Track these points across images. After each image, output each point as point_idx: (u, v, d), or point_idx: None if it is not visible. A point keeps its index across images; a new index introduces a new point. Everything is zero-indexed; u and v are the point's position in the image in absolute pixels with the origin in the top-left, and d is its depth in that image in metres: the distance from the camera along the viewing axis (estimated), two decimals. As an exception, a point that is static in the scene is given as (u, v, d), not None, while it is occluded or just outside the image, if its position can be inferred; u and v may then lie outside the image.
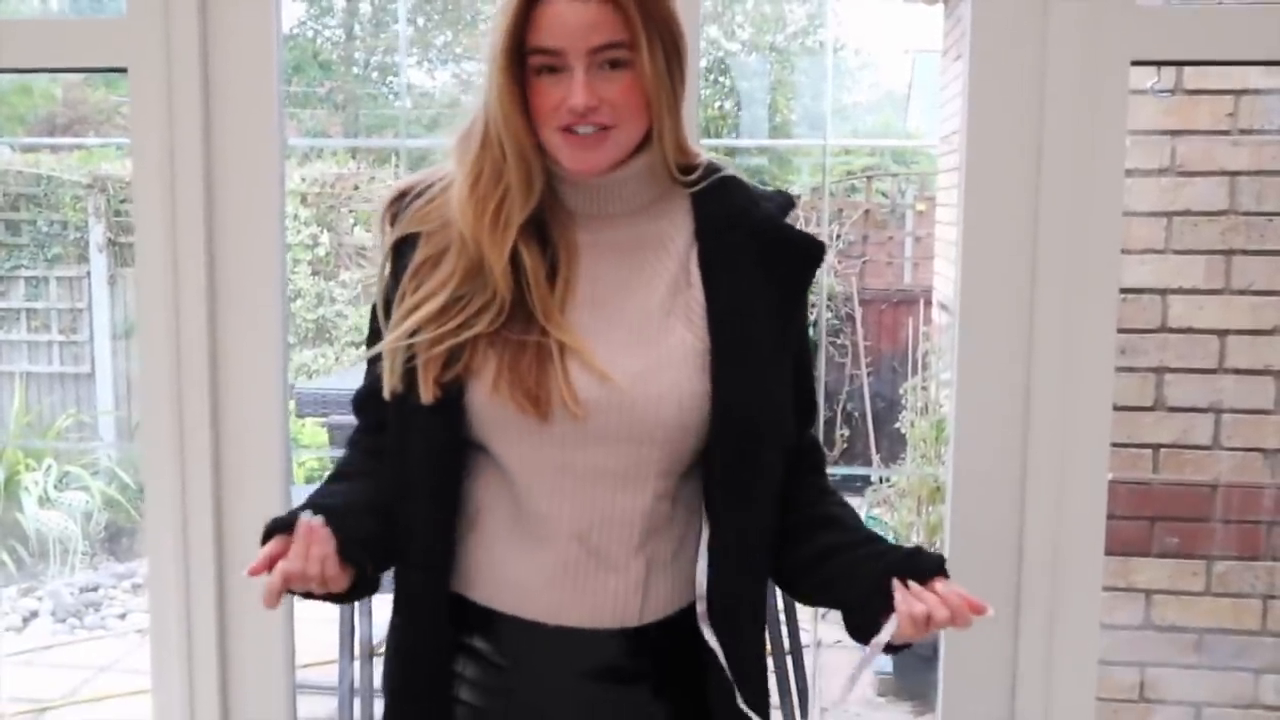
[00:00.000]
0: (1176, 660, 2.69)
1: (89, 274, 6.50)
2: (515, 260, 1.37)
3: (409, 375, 1.36)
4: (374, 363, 1.45)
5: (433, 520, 1.40)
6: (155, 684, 2.06)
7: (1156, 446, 2.63)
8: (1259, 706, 2.69)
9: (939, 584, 1.31)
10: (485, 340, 1.36)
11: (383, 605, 3.58)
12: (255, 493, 1.99)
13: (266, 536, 1.31)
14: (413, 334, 1.36)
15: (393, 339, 1.38)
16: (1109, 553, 1.97)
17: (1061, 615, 1.89)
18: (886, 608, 1.29)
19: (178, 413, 1.96)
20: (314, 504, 1.35)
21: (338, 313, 6.49)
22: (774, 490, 1.44)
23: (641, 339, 1.38)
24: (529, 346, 1.35)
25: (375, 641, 3.64)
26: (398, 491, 1.41)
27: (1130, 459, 2.62)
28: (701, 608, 1.41)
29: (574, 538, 1.39)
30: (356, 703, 3.55)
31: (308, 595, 1.32)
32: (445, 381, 1.35)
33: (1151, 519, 2.66)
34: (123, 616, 5.06)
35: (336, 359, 6.42)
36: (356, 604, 3.47)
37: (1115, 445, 2.02)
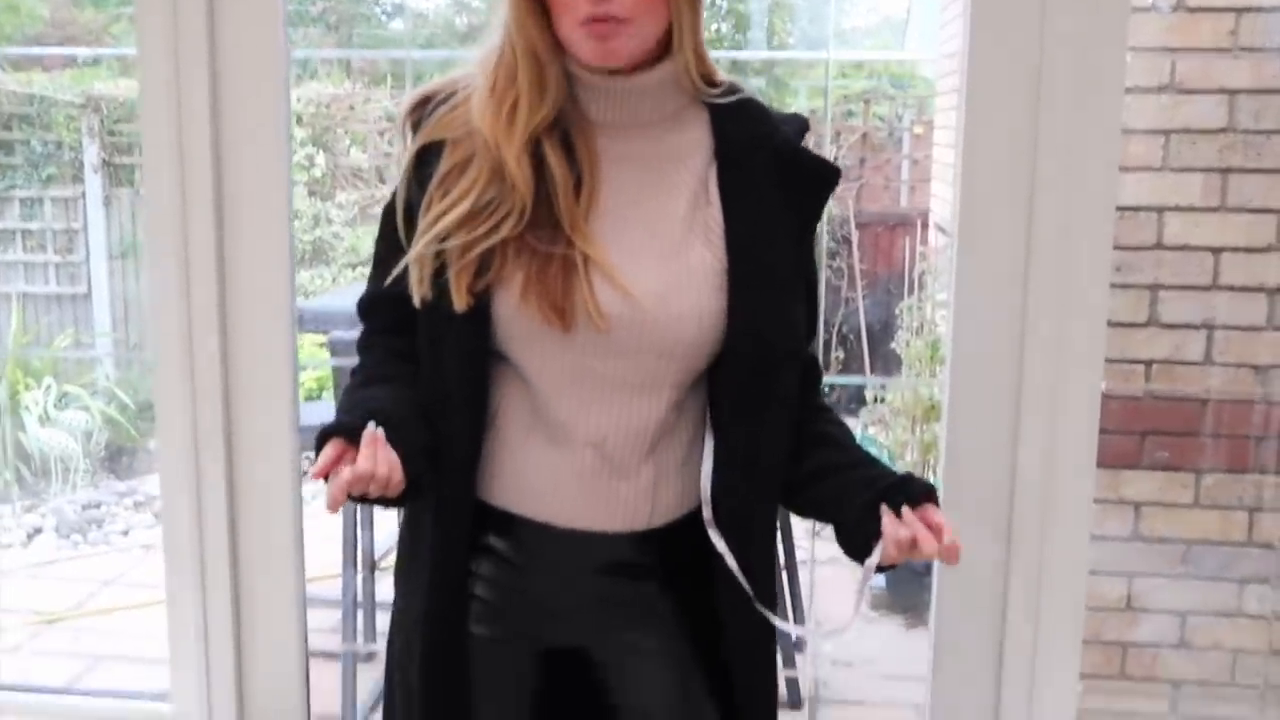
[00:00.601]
0: (1163, 571, 2.75)
1: (84, 194, 6.48)
2: (541, 170, 1.38)
3: (438, 283, 1.39)
4: (381, 266, 1.47)
5: (462, 426, 1.43)
6: (170, 602, 2.10)
7: (1149, 362, 2.67)
8: (1242, 616, 2.75)
9: (930, 510, 1.36)
10: (513, 250, 1.38)
11: (384, 518, 3.65)
12: (264, 410, 2.03)
13: (321, 441, 1.32)
14: (443, 240, 1.38)
15: (423, 245, 1.39)
16: (1100, 465, 2.02)
17: (1053, 528, 1.94)
18: (877, 532, 1.36)
19: (187, 332, 1.99)
20: (370, 410, 1.35)
21: (334, 234, 6.47)
22: (788, 408, 1.48)
23: (663, 253, 1.42)
24: (555, 258, 1.38)
25: (377, 554, 3.71)
26: (430, 396, 1.44)
27: (1123, 374, 2.66)
28: (707, 513, 1.46)
29: (590, 445, 1.43)
30: (359, 614, 3.62)
31: (363, 499, 1.33)
32: (476, 290, 1.37)
33: (1142, 433, 2.70)
34: (125, 533, 5.13)
35: (334, 280, 6.42)
36: (358, 518, 3.54)
37: (1108, 361, 2.06)
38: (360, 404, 1.40)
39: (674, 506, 1.48)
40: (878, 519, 1.36)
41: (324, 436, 1.32)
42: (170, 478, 2.04)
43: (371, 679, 3.57)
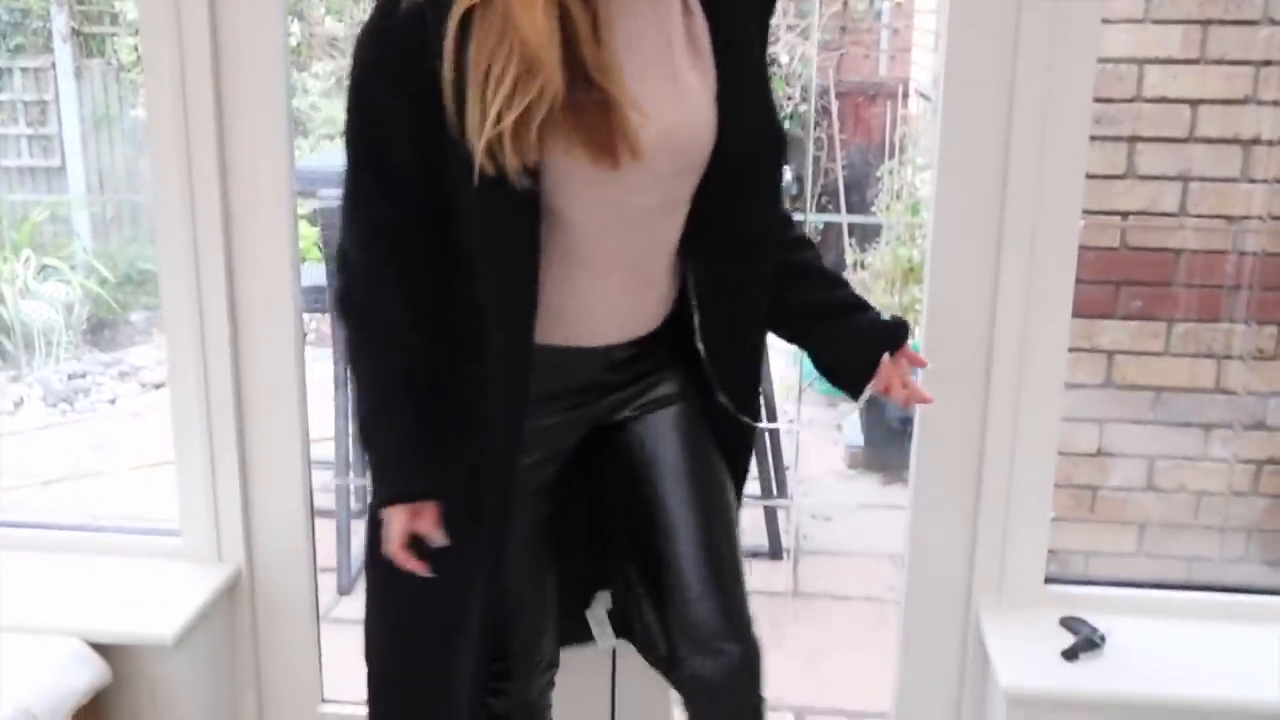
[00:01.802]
0: (1134, 417, 2.85)
1: (54, 65, 6.36)
2: (565, 25, 1.40)
3: (488, 148, 1.40)
4: (382, 151, 1.49)
5: (518, 281, 1.49)
6: (179, 464, 2.15)
7: (1125, 214, 2.73)
8: (1207, 459, 2.86)
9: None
10: (556, 104, 1.40)
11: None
12: (267, 274, 2.06)
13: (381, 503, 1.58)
14: (497, 114, 1.39)
15: (490, 127, 1.40)
16: (1075, 315, 2.08)
17: (1028, 377, 2.00)
18: (868, 375, 1.68)
19: (189, 203, 2.02)
20: (416, 492, 1.56)
21: (311, 105, 6.39)
22: (774, 207, 1.65)
23: (673, 76, 1.50)
24: (591, 104, 1.42)
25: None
26: (479, 255, 1.49)
27: (1100, 226, 2.72)
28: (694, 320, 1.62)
29: (629, 269, 1.56)
30: (351, 474, 3.69)
31: None
32: (526, 148, 1.40)
33: (1117, 283, 2.77)
34: (112, 401, 5.17)
35: (312, 150, 6.36)
36: (349, 382, 3.60)
37: (1086, 212, 2.11)
38: (406, 478, 1.57)
39: (672, 303, 1.65)
40: (874, 365, 1.67)
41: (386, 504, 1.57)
42: (176, 340, 2.08)
43: (362, 534, 3.66)
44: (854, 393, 1.70)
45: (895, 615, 2.20)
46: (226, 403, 2.10)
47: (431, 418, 1.55)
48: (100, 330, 5.89)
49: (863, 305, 1.73)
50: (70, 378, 5.31)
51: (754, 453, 1.84)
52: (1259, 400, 2.83)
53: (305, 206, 4.77)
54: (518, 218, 1.46)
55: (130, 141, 6.33)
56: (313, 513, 2.19)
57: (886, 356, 1.68)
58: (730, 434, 1.71)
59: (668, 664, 1.71)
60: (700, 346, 1.63)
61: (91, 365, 5.52)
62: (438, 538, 1.56)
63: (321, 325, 5.01)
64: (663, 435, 1.68)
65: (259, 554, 2.18)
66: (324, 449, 3.56)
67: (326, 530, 3.45)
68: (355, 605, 3.39)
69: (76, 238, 6.14)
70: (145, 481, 3.96)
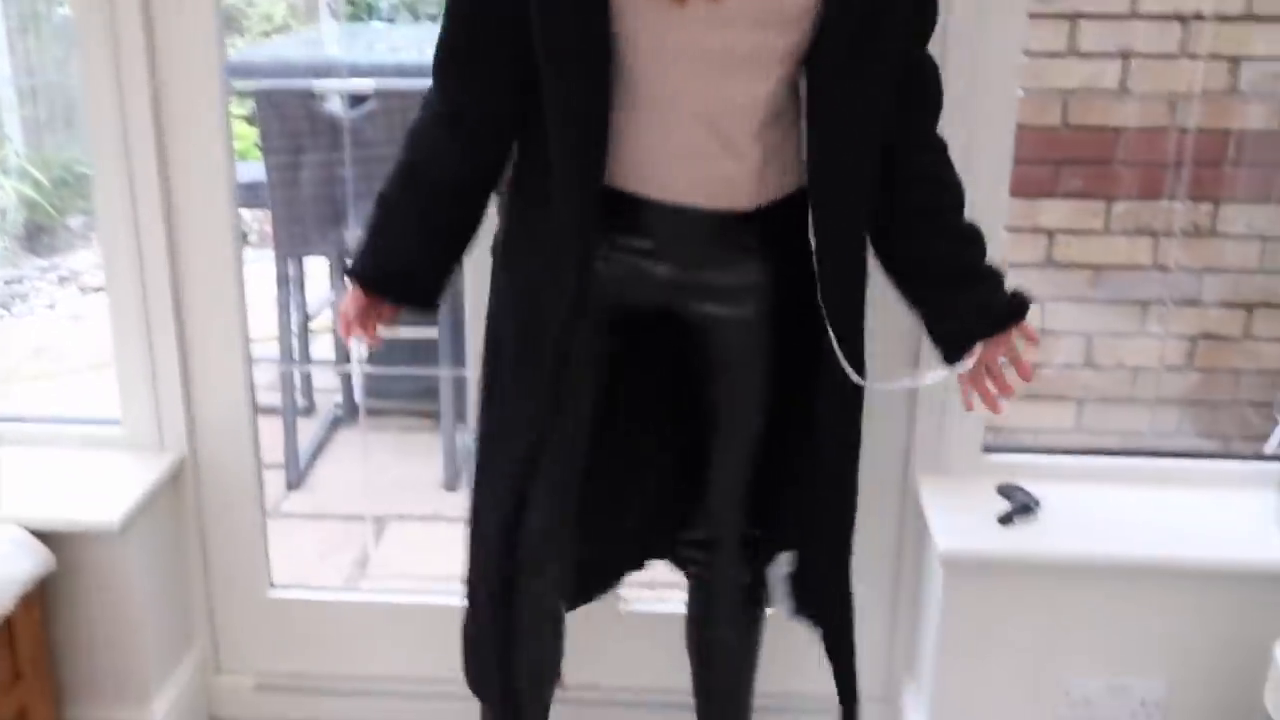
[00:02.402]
0: (1073, 295, 2.88)
1: (-25, -37, 6.14)
2: None
3: None
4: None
5: (586, 115, 1.48)
6: (117, 355, 2.12)
7: (1066, 91, 2.73)
8: (1143, 335, 2.91)
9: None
10: None
11: (314, 281, 3.65)
12: (201, 171, 2.02)
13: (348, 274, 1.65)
14: None
15: None
16: (1014, 195, 2.09)
17: None
18: (960, 356, 1.63)
19: (119, 102, 1.97)
20: (389, 273, 1.64)
21: (248, 1, 6.25)
22: (886, 88, 1.52)
23: None
24: None
25: (310, 313, 3.75)
26: (550, 92, 1.48)
27: (1040, 104, 2.72)
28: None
29: (699, 120, 1.49)
30: (296, 371, 3.68)
31: None
32: None
33: (1058, 162, 2.78)
34: (51, 306, 5.09)
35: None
36: (290, 280, 3.58)
37: (1026, 90, 2.10)
38: (383, 255, 1.64)
39: (778, 187, 1.56)
40: (963, 351, 1.62)
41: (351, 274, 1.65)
42: (112, 246, 2.05)
43: (309, 431, 3.68)
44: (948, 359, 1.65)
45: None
46: (164, 292, 2.07)
47: (444, 237, 1.63)
48: (37, 235, 5.78)
49: (985, 274, 1.65)
50: (6, 283, 5.22)
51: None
52: (1193, 276, 2.87)
53: (244, 107, 4.70)
54: (583, 45, 1.44)
55: (60, 41, 6.15)
56: (255, 401, 2.18)
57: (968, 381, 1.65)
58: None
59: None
60: (812, 239, 1.54)
61: (28, 270, 5.42)
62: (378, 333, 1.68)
63: (264, 225, 4.95)
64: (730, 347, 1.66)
65: (202, 442, 2.17)
66: (271, 347, 3.57)
67: (274, 427, 3.46)
68: (304, 500, 3.44)
69: (9, 141, 5.99)
70: (87, 384, 3.93)
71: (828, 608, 1.79)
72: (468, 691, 2.25)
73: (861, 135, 1.52)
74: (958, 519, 1.99)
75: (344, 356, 3.85)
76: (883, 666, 2.24)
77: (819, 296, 1.55)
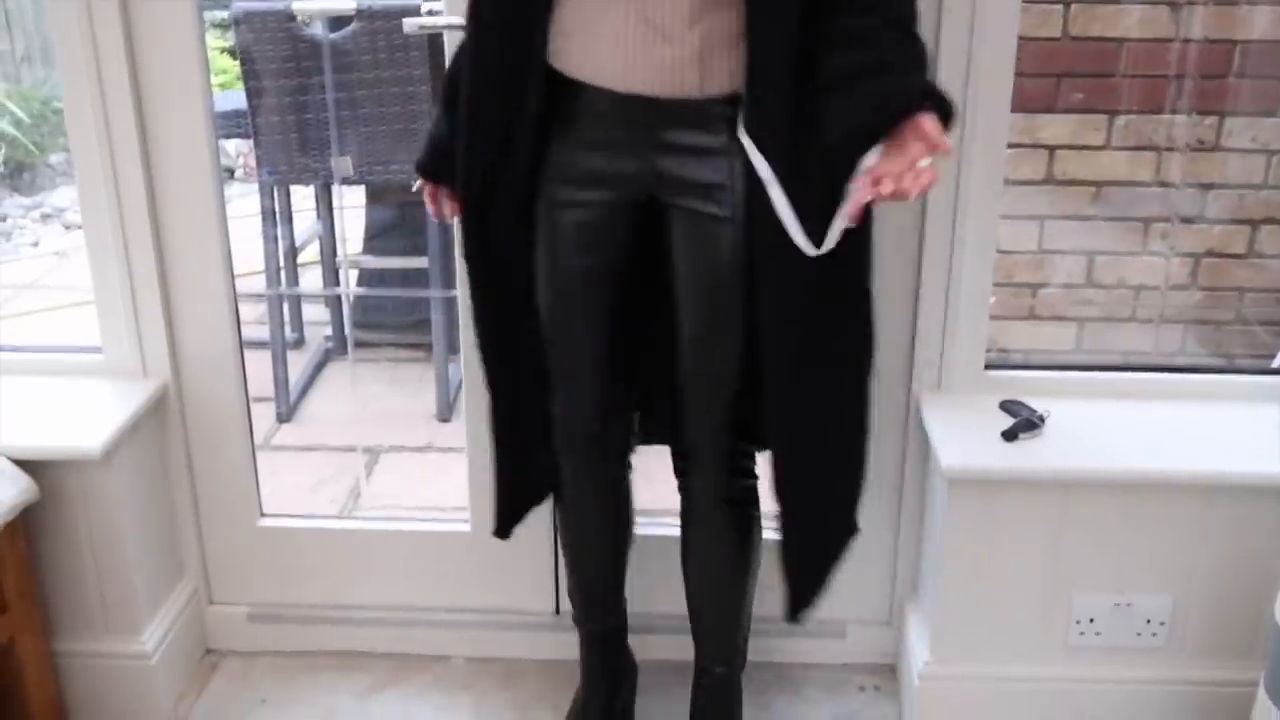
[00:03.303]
0: (1074, 213, 2.83)
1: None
2: None
3: None
4: None
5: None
6: (96, 282, 2.07)
7: (1067, 2, 2.66)
8: (1145, 253, 2.86)
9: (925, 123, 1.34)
10: None
11: (301, 213, 3.60)
12: (177, 96, 1.96)
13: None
14: None
15: None
16: (1015, 109, 2.02)
17: (967, 173, 1.95)
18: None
19: (90, 32, 1.90)
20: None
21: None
22: None
23: None
24: None
25: (297, 244, 3.68)
26: None
27: (1041, 15, 2.65)
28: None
29: (630, 9, 1.51)
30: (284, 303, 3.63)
31: None
32: None
33: (1059, 75, 2.72)
34: (35, 244, 5.02)
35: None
36: (276, 213, 3.51)
37: (1027, 2, 2.03)
38: (431, 142, 1.79)
39: (727, 80, 1.54)
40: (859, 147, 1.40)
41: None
42: (85, 169, 1.98)
43: (300, 364, 3.63)
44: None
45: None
46: (141, 216, 2.00)
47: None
48: (19, 174, 5.70)
49: (884, 67, 1.44)
50: (-12, 222, 5.15)
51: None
52: (1197, 192, 2.81)
53: (227, 39, 4.59)
54: None
55: (33, -26, 6.02)
56: (239, 326, 2.13)
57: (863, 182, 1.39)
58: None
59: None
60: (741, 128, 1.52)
61: (12, 209, 5.34)
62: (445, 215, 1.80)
63: (248, 160, 4.87)
64: (691, 249, 1.64)
65: (186, 370, 2.12)
66: (260, 281, 3.51)
67: (263, 361, 3.41)
68: (295, 433, 3.40)
69: (-9, 75, 5.88)
70: (74, 321, 3.87)
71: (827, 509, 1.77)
72: (459, 619, 2.24)
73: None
74: (961, 436, 1.95)
75: (334, 284, 3.80)
76: (884, 589, 2.21)
77: (742, 130, 1.53)
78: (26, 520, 1.93)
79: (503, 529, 1.88)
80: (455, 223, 1.76)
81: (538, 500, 1.90)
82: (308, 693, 2.18)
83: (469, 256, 1.73)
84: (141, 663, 2.08)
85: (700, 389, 1.73)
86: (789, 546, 1.74)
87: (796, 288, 1.56)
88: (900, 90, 1.39)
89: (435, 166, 1.77)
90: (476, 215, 1.69)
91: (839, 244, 1.50)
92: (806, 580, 1.76)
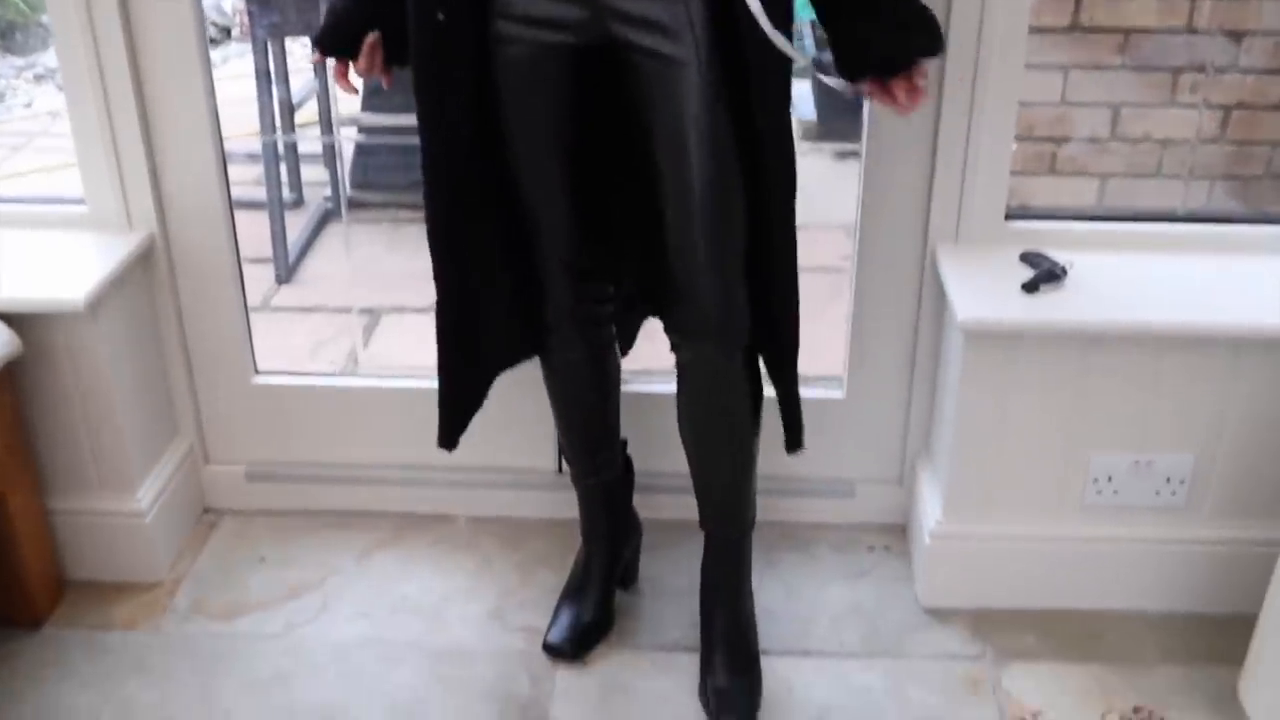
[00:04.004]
0: (1100, 63, 2.70)
1: None
2: None
3: None
4: None
5: None
6: (77, 141, 1.98)
7: None
8: (1174, 105, 2.74)
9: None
10: None
11: (298, 72, 3.49)
12: None
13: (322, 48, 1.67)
14: None
15: None
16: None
17: (989, 19, 1.84)
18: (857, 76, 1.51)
19: None
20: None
21: None
22: None
23: None
24: None
25: (295, 102, 3.58)
26: None
27: None
28: None
29: None
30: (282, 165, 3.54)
31: None
32: None
33: (1087, -86, 2.58)
34: (29, 104, 4.91)
35: None
36: (271, 72, 3.41)
37: None
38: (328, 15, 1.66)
39: None
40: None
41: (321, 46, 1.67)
42: (63, 29, 1.87)
43: (298, 225, 3.55)
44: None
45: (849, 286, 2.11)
46: (121, 63, 1.90)
47: None
48: (11, 34, 5.57)
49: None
50: (-19, 83, 5.03)
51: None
52: (1229, 40, 2.68)
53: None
54: None
55: None
56: (227, 177, 2.04)
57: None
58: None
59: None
60: None
61: (4, 69, 5.22)
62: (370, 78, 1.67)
63: (245, 18, 4.74)
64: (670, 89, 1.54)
65: (174, 222, 2.03)
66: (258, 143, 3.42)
67: (260, 222, 3.33)
68: (294, 294, 3.34)
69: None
70: (67, 180, 3.78)
71: (775, 327, 1.72)
72: (461, 477, 2.19)
73: None
74: (979, 288, 1.87)
75: (330, 148, 3.70)
76: (895, 447, 2.16)
77: None
78: (12, 375, 1.87)
79: (449, 440, 1.81)
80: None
81: (479, 403, 1.84)
82: (307, 552, 2.15)
83: (422, 120, 1.61)
84: (136, 520, 2.04)
85: (699, 245, 1.62)
86: (780, 380, 1.74)
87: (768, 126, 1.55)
88: (904, 50, 1.49)
89: (334, 40, 1.66)
90: (429, 71, 1.58)
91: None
92: (797, 410, 1.77)
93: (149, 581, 2.07)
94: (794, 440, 1.79)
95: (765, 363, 1.75)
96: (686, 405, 1.81)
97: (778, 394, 1.76)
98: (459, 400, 1.80)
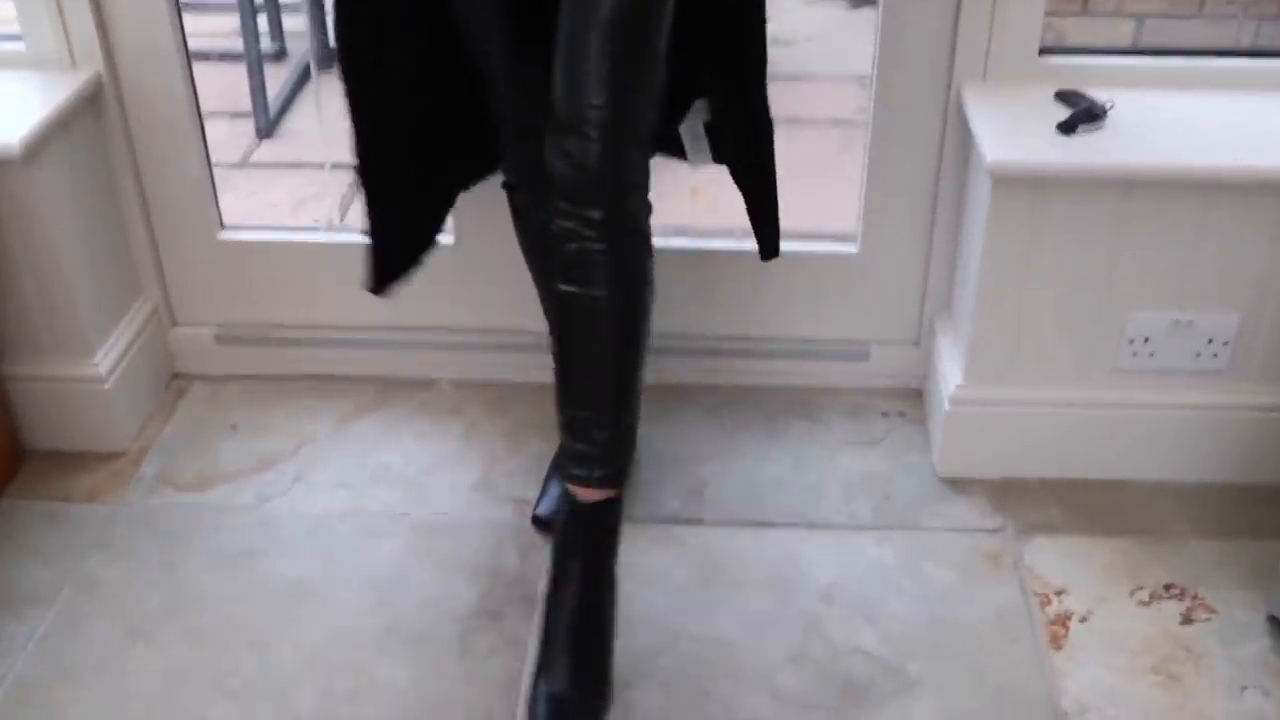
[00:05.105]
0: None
1: None
2: None
3: None
4: None
5: None
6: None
7: None
8: (1200, 17, 2.52)
9: None
10: None
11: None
12: None
13: None
14: None
15: None
16: None
17: None
18: None
19: None
20: None
21: None
22: None
23: None
24: None
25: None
26: None
27: None
28: None
29: None
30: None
31: None
32: None
33: None
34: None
35: None
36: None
37: None
38: None
39: None
40: None
41: None
42: None
43: (280, 78, 3.36)
44: None
45: (864, 136, 1.92)
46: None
47: None
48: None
49: None
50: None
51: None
52: None
53: None
54: None
55: None
56: (180, 18, 1.85)
57: None
58: None
59: None
60: None
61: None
62: None
63: None
64: None
65: (122, 61, 1.85)
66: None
67: (239, 74, 3.14)
68: (275, 149, 3.16)
69: None
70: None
71: (747, 151, 1.59)
72: (446, 339, 2.05)
73: None
74: (1010, 129, 1.69)
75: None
76: (913, 306, 2.00)
77: None
78: (-53, 229, 1.72)
79: (379, 284, 1.66)
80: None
81: (419, 256, 1.69)
82: (282, 419, 2.02)
83: None
84: (96, 386, 1.90)
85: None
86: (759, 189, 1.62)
87: None
88: None
89: None
90: None
91: None
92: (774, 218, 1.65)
93: (112, 451, 1.94)
94: (770, 245, 1.65)
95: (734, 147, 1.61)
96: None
97: (750, 186, 1.62)
98: (390, 237, 1.64)
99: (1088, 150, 1.65)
